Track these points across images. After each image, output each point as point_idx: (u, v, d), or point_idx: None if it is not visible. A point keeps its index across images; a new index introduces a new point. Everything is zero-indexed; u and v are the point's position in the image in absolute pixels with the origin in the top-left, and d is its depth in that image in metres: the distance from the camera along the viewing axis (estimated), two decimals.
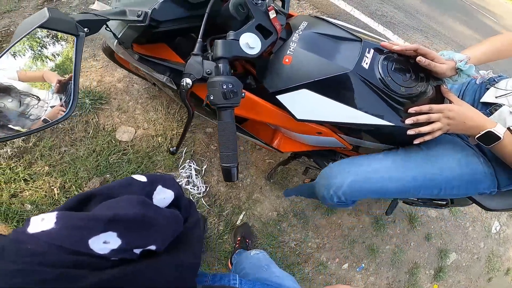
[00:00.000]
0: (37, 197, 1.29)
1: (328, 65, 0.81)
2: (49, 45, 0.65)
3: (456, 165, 0.87)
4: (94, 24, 0.61)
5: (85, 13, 0.64)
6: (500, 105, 0.86)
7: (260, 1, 0.78)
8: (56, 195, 1.32)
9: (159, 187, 0.39)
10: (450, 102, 0.85)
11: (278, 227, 1.65)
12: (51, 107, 0.68)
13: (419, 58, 0.80)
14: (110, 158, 1.43)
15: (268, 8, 0.78)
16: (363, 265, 1.80)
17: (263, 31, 0.77)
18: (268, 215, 1.65)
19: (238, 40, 0.72)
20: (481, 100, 0.93)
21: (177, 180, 1.52)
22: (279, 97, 0.86)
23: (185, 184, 1.52)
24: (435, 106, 0.80)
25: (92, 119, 1.46)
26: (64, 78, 0.65)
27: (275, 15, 0.79)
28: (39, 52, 0.65)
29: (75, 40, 0.58)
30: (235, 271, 0.82)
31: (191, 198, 1.52)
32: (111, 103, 1.53)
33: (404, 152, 0.92)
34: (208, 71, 0.69)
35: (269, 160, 1.72)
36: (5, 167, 1.28)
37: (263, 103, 0.89)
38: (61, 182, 1.34)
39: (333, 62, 0.81)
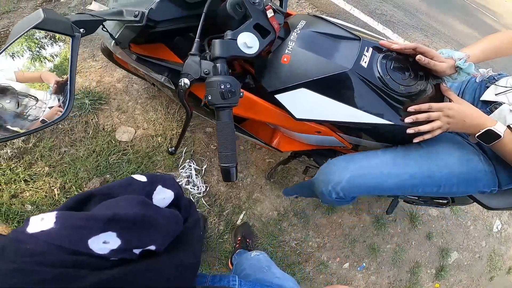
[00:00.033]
0: (38, 198, 1.29)
1: (326, 64, 0.81)
2: (47, 46, 0.65)
3: (456, 163, 0.87)
4: (90, 25, 0.61)
5: (81, 13, 0.64)
6: (500, 103, 0.85)
7: (257, 0, 0.77)
8: (57, 195, 1.32)
9: (159, 187, 0.39)
10: (450, 100, 0.84)
11: (279, 227, 1.65)
12: (49, 107, 0.68)
13: (418, 57, 0.80)
14: (110, 158, 1.43)
15: (266, 7, 0.78)
16: (364, 264, 1.79)
17: (261, 31, 0.77)
18: (269, 215, 1.65)
19: (236, 39, 0.71)
20: (481, 99, 0.92)
21: (177, 180, 1.52)
22: (277, 96, 0.86)
23: (185, 184, 1.52)
24: (434, 105, 0.80)
25: (92, 119, 1.46)
26: (62, 78, 0.65)
27: (272, 14, 0.79)
28: (37, 53, 0.65)
29: (70, 41, 0.58)
30: (236, 272, 0.82)
31: (191, 198, 1.52)
32: (111, 103, 1.53)
33: (403, 149, 0.92)
34: (206, 71, 0.69)
35: (269, 160, 1.72)
36: (5, 167, 1.28)
37: (262, 102, 0.89)
38: (61, 182, 1.34)
39: (331, 61, 0.81)
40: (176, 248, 0.36)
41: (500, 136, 0.76)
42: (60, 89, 0.65)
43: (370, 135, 0.95)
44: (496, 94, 0.88)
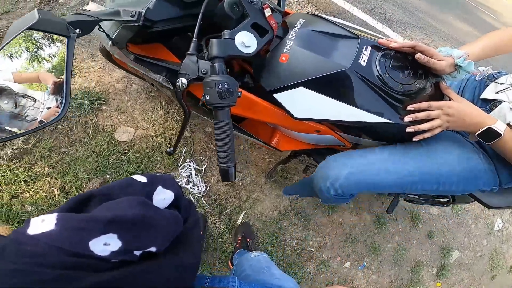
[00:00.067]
0: (38, 198, 1.30)
1: (325, 62, 0.81)
2: (45, 46, 0.65)
3: (455, 161, 0.86)
4: (86, 25, 0.61)
5: (77, 14, 0.64)
6: (500, 102, 0.85)
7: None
8: (57, 196, 1.32)
9: (159, 188, 0.39)
10: (450, 99, 0.84)
11: (279, 226, 1.65)
12: (47, 108, 0.68)
13: (418, 55, 0.79)
14: (109, 159, 1.43)
15: (264, 6, 0.77)
16: (365, 263, 1.79)
17: (258, 30, 0.77)
18: (269, 214, 1.65)
19: (234, 39, 0.71)
20: (481, 97, 0.92)
21: (177, 180, 1.52)
22: (276, 95, 0.85)
23: (185, 184, 1.52)
24: (434, 103, 0.80)
25: (91, 119, 1.46)
26: (60, 79, 0.65)
27: (270, 13, 0.78)
28: (35, 54, 0.65)
29: (66, 41, 0.58)
30: (236, 273, 0.82)
31: (191, 197, 1.52)
32: (110, 103, 1.53)
33: (403, 146, 0.91)
34: (204, 71, 0.68)
35: (269, 159, 1.72)
36: (5, 168, 1.29)
37: (260, 102, 0.89)
38: (61, 183, 1.34)
39: (330, 59, 0.81)
40: (176, 249, 0.36)
41: (500, 135, 0.76)
42: (58, 89, 0.65)
43: (369, 134, 0.95)
44: (496, 93, 0.88)
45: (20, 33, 0.53)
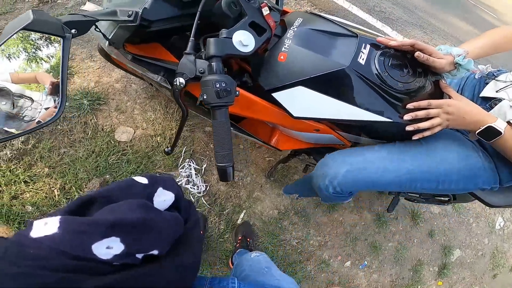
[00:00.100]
0: (38, 199, 1.30)
1: (323, 61, 0.80)
2: (42, 47, 0.65)
3: (455, 159, 0.86)
4: (82, 25, 0.61)
5: (73, 14, 0.64)
6: (500, 100, 0.84)
7: None
8: (57, 196, 1.32)
9: (160, 189, 0.39)
10: (449, 97, 0.83)
11: (279, 225, 1.65)
12: (45, 108, 0.68)
13: (417, 54, 0.79)
14: (109, 159, 1.43)
15: (261, 5, 0.77)
16: (365, 262, 1.79)
17: (256, 29, 0.76)
18: (269, 214, 1.65)
19: (231, 38, 0.71)
20: (481, 95, 0.91)
21: (177, 180, 1.52)
22: (275, 94, 0.85)
23: (185, 184, 1.52)
24: (434, 102, 0.79)
25: (91, 120, 1.46)
26: (57, 79, 0.65)
27: (268, 11, 0.78)
28: (33, 54, 0.65)
29: (61, 42, 0.58)
30: (235, 273, 0.82)
31: (191, 197, 1.52)
32: (109, 103, 1.53)
33: (402, 144, 0.91)
34: (201, 70, 0.68)
35: (269, 158, 1.72)
36: (5, 169, 1.29)
37: (259, 101, 0.88)
38: (61, 183, 1.34)
39: (328, 58, 0.80)
40: (176, 249, 0.36)
41: (500, 133, 0.76)
42: (56, 90, 0.65)
43: (369, 133, 0.95)
44: (497, 91, 0.87)
45: (14, 34, 0.53)
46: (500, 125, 0.76)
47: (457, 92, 0.95)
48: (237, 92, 0.70)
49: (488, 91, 0.89)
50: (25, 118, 0.66)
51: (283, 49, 0.83)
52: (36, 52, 0.65)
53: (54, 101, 0.66)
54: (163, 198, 0.39)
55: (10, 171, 1.29)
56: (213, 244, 1.50)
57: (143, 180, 0.38)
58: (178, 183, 1.51)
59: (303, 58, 0.81)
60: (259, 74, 0.87)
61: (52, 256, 0.27)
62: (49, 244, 0.28)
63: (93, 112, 1.48)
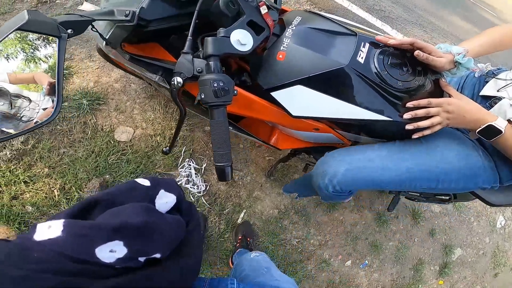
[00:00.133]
0: (38, 199, 1.30)
1: (322, 60, 0.80)
2: (40, 47, 0.65)
3: (454, 158, 0.85)
4: (79, 25, 0.61)
5: (70, 14, 0.63)
6: (500, 98, 0.84)
7: None
8: (57, 196, 1.32)
9: (162, 191, 0.39)
10: (449, 95, 0.83)
11: (280, 225, 1.64)
12: (43, 109, 0.67)
13: (417, 52, 0.78)
14: (109, 159, 1.43)
15: (259, 4, 0.76)
16: (366, 261, 1.79)
17: (255, 28, 0.76)
18: (269, 213, 1.65)
19: (229, 37, 0.71)
20: (481, 94, 0.91)
21: (177, 179, 1.52)
22: (273, 94, 0.85)
23: (185, 183, 1.52)
24: (433, 100, 0.79)
25: (90, 120, 1.46)
26: (55, 80, 0.65)
27: (266, 10, 0.78)
28: (30, 55, 0.65)
29: (57, 42, 0.58)
30: (235, 273, 0.82)
31: (191, 197, 1.52)
32: (109, 103, 1.53)
33: (402, 143, 0.90)
34: (199, 69, 0.68)
35: (269, 158, 1.71)
36: (5, 169, 1.29)
37: (258, 100, 0.88)
38: (61, 183, 1.34)
39: (327, 57, 0.80)
40: (178, 252, 0.36)
41: (501, 132, 0.75)
42: (54, 90, 0.65)
43: (368, 132, 0.94)
44: (498, 90, 0.87)
45: (9, 34, 0.53)
46: (501, 124, 0.75)
47: (457, 90, 0.94)
48: (235, 91, 0.70)
49: (488, 90, 0.89)
50: (23, 118, 0.66)
51: (281, 48, 0.82)
52: (34, 52, 0.64)
53: (52, 101, 0.66)
54: (165, 200, 0.39)
55: (10, 171, 1.29)
56: (213, 243, 1.50)
57: (145, 182, 0.39)
58: (178, 183, 1.51)
59: (302, 57, 0.81)
60: (257, 73, 0.87)
61: (55, 260, 0.28)
62: (53, 248, 0.28)
63: (93, 112, 1.48)
